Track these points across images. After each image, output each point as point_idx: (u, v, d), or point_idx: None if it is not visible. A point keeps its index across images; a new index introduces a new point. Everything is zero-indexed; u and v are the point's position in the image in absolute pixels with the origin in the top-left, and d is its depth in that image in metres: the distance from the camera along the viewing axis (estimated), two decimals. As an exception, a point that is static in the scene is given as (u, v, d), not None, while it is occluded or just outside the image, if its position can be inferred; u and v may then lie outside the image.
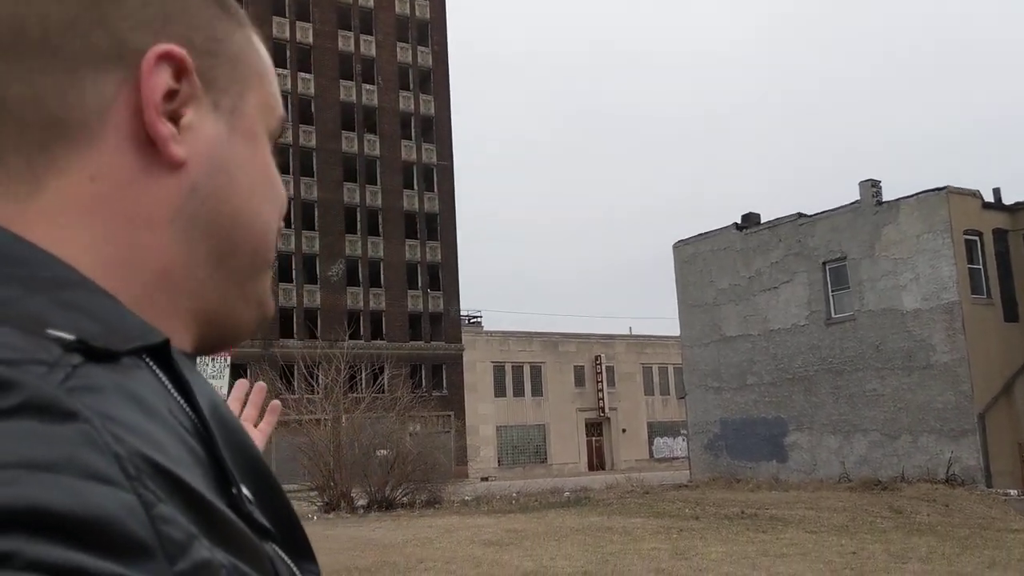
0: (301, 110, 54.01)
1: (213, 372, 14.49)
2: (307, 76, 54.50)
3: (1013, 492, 23.49)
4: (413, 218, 57.13)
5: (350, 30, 56.56)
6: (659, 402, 65.31)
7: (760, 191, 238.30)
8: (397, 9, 58.60)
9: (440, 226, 58.15)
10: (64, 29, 0.53)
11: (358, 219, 54.98)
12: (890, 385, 27.42)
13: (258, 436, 1.22)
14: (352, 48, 56.48)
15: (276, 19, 53.80)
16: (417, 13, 59.54)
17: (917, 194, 27.57)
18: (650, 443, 64.33)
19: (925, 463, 26.07)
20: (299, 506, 25.90)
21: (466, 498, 26.89)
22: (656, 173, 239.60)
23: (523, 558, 12.96)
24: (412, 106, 58.34)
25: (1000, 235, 27.90)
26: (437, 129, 59.10)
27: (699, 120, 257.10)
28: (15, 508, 0.37)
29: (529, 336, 61.51)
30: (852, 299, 28.82)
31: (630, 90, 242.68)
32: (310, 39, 54.92)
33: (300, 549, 0.56)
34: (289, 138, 53.17)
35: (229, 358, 15.13)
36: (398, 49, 58.37)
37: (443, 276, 57.57)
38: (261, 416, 1.28)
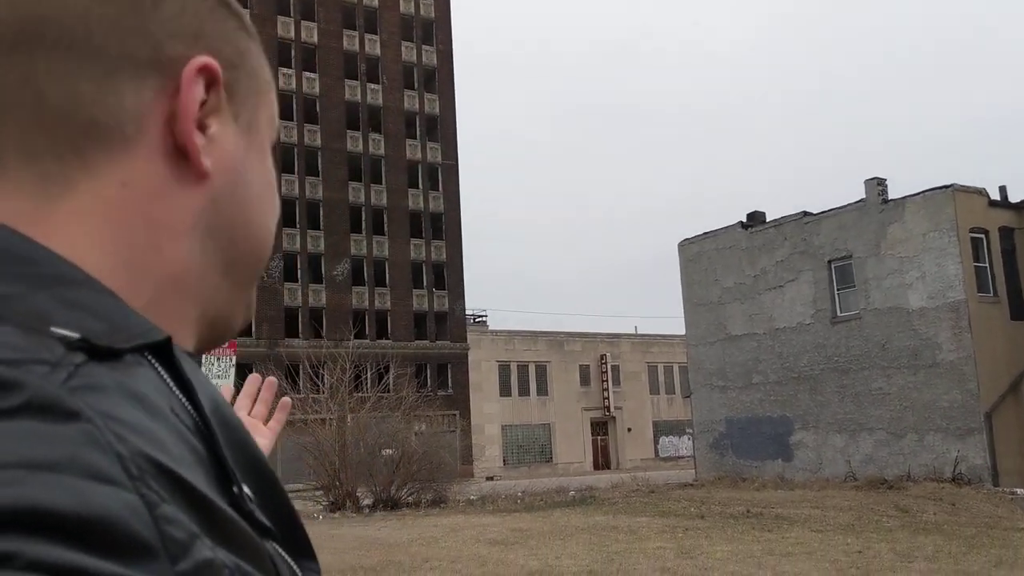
0: (306, 109, 54.04)
1: (218, 372, 14.53)
2: (312, 75, 54.54)
3: (1020, 491, 23.40)
4: (418, 217, 57.14)
5: (355, 29, 56.59)
6: (664, 401, 65.26)
7: (760, 190, 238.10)
8: (402, 8, 58.60)
9: (445, 225, 58.15)
10: (106, 32, 0.53)
11: (363, 218, 55.01)
12: (896, 384, 27.36)
13: (267, 435, 1.21)
14: (357, 47, 56.51)
15: (281, 18, 53.85)
16: (421, 12, 59.54)
17: (923, 192, 27.50)
18: (655, 442, 64.29)
19: (931, 462, 26.00)
20: (304, 506, 25.96)
21: (471, 497, 26.90)
22: (657, 173, 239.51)
23: (528, 557, 12.97)
24: (417, 105, 58.35)
25: (1006, 233, 27.81)
26: (442, 128, 59.10)
27: (699, 120, 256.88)
28: (17, 508, 0.37)
29: (534, 335, 61.51)
30: (858, 298, 28.75)
31: (630, 90, 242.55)
32: (315, 38, 54.96)
33: (300, 547, 0.56)
34: (294, 137, 53.23)
35: (234, 357, 15.17)
36: (403, 48, 58.38)
37: (448, 275, 57.58)
38: (271, 414, 1.27)
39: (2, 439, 0.39)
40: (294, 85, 53.69)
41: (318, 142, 54.04)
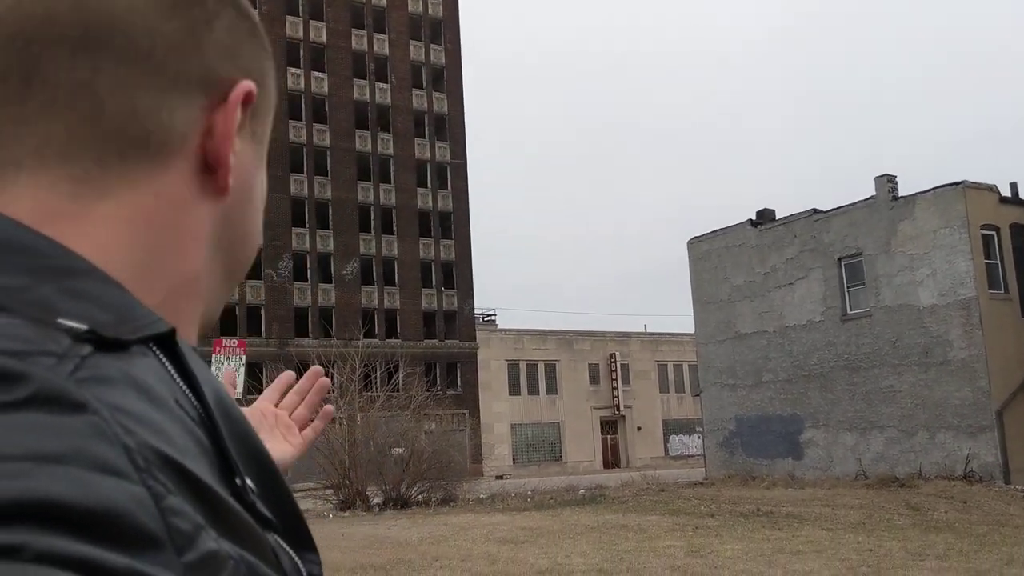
0: (315, 109, 54.14)
1: (228, 370, 14.62)
2: (320, 75, 54.63)
3: (1032, 489, 23.31)
4: (427, 216, 57.19)
5: (363, 29, 56.66)
6: (674, 399, 65.18)
7: (763, 201, 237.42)
8: (410, 7, 58.66)
9: (454, 224, 58.19)
10: (168, 49, 0.55)
11: (372, 218, 55.08)
12: (907, 381, 27.26)
13: (298, 443, 1.16)
14: (365, 47, 56.58)
15: (290, 18, 53.96)
16: (430, 11, 59.58)
17: (933, 189, 27.39)
18: (665, 441, 64.21)
19: (942, 460, 25.91)
20: (315, 504, 26.01)
21: (481, 496, 26.91)
22: (667, 183, 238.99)
23: (538, 556, 12.97)
24: (425, 104, 58.40)
25: (1017, 230, 27.67)
26: (450, 127, 59.13)
27: (712, 127, 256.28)
28: (25, 500, 0.37)
29: (543, 334, 61.50)
30: (868, 295, 28.66)
31: (636, 101, 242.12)
32: (323, 38, 55.05)
33: (302, 540, 0.57)
34: (303, 137, 53.34)
35: (244, 357, 15.21)
36: (411, 47, 58.43)
37: (457, 274, 57.61)
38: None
39: (9, 431, 0.39)
40: (303, 85, 53.79)
41: (327, 142, 54.13)
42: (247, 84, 0.58)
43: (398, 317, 54.71)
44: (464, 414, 52.06)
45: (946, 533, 14.77)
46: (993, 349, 25.53)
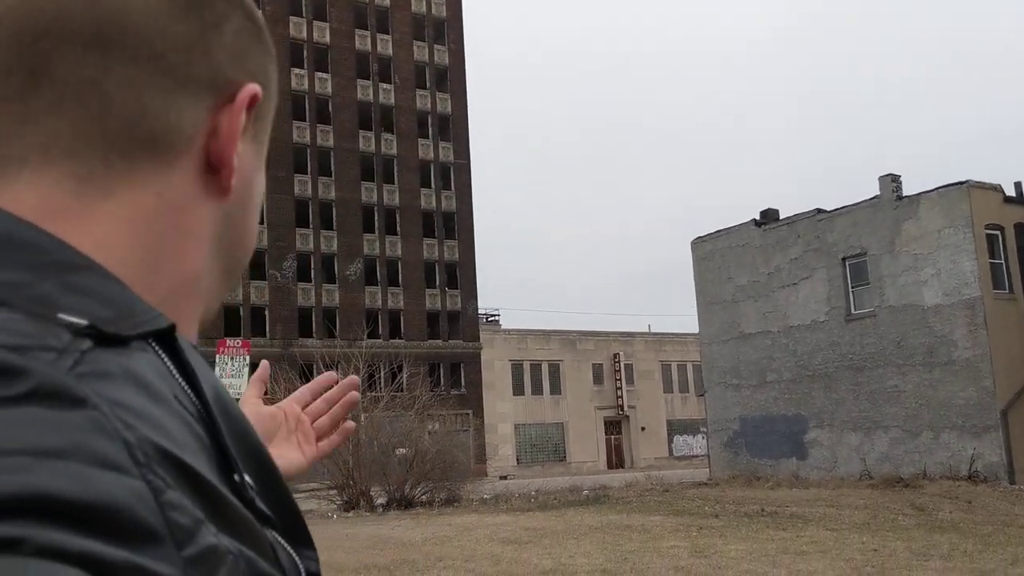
0: (318, 110, 54.18)
1: (232, 371, 14.59)
2: (324, 76, 54.67)
3: (1037, 489, 23.27)
4: (431, 216, 57.22)
5: (367, 29, 56.69)
6: (678, 400, 65.14)
7: (766, 201, 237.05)
8: (413, 8, 58.68)
9: (457, 224, 58.21)
10: (179, 50, 0.56)
11: (376, 218, 55.12)
12: (911, 381, 27.22)
13: (312, 452, 1.14)
14: (369, 47, 56.61)
15: (293, 19, 54.00)
16: (433, 11, 59.59)
17: (938, 188, 27.34)
18: (669, 441, 64.17)
19: (947, 460, 25.87)
20: (319, 505, 26.03)
21: (485, 496, 26.92)
22: (668, 182, 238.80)
23: (542, 556, 12.97)
24: (429, 104, 58.42)
25: (1022, 229, 27.62)
26: (454, 127, 59.15)
27: (714, 125, 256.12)
28: (25, 495, 0.37)
29: (547, 334, 61.50)
30: (872, 295, 28.62)
31: (640, 101, 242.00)
32: (327, 39, 55.09)
33: (300, 537, 0.57)
34: (307, 138, 53.38)
35: (248, 357, 15.21)
36: (415, 48, 58.45)
37: (461, 274, 57.63)
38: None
39: (9, 426, 0.39)
40: (306, 86, 53.83)
41: (331, 142, 54.17)
42: (253, 87, 0.59)
43: (402, 317, 54.74)
44: (468, 414, 52.05)
45: (951, 533, 14.75)
46: (998, 349, 25.48)
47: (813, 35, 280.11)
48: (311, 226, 52.71)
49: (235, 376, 14.39)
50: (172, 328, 0.51)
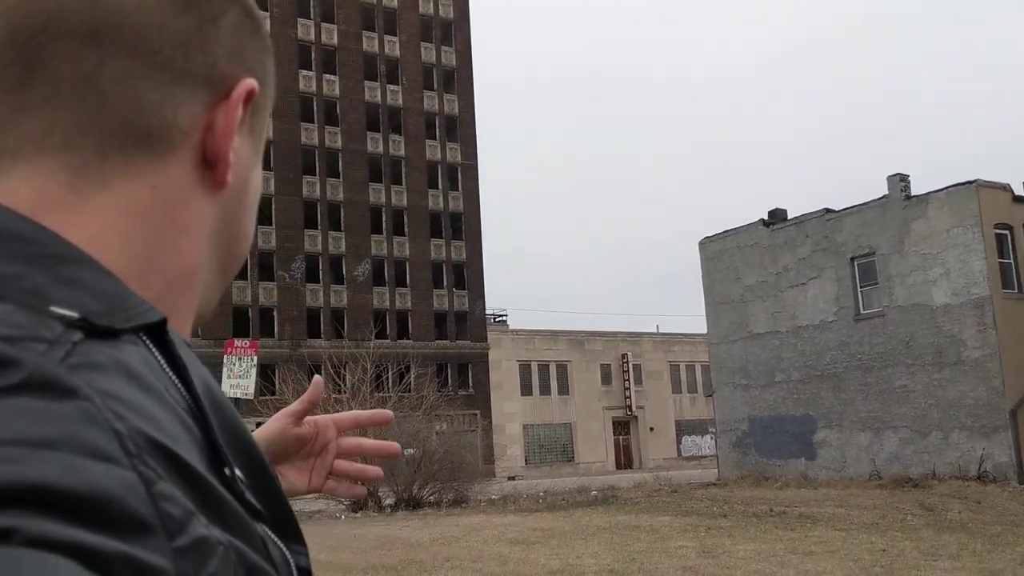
0: (326, 111, 54.29)
1: (240, 371, 14.64)
2: (332, 77, 54.78)
3: (1047, 489, 23.17)
4: (438, 217, 57.29)
5: (374, 31, 56.79)
6: (687, 400, 65.05)
7: (774, 202, 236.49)
8: (421, 9, 58.76)
9: (465, 225, 58.26)
10: (176, 45, 0.56)
11: (384, 219, 55.21)
12: (920, 381, 27.14)
13: (314, 485, 1.10)
14: (377, 49, 56.70)
15: (301, 21, 54.11)
16: (441, 13, 59.67)
17: (947, 188, 27.26)
18: (678, 441, 64.08)
19: (956, 460, 25.79)
20: (327, 505, 26.07)
21: (493, 497, 26.94)
22: (676, 181, 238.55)
23: (550, 557, 12.98)
24: (436, 106, 58.49)
25: (1032, 229, 27.52)
26: (461, 128, 59.22)
27: (717, 122, 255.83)
28: (16, 485, 0.37)
29: (555, 334, 61.47)
30: (881, 294, 28.56)
31: (652, 102, 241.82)
32: (335, 40, 55.20)
33: (290, 531, 0.57)
34: (315, 140, 53.51)
35: (255, 358, 15.27)
36: (422, 49, 58.54)
37: (468, 275, 57.68)
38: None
39: (1, 417, 0.40)
40: (314, 87, 53.95)
41: (339, 144, 54.28)
42: (250, 82, 0.59)
43: (409, 318, 54.81)
44: (476, 415, 52.11)
45: (959, 533, 14.71)
46: (1007, 349, 25.39)
47: (818, 59, 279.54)
48: (319, 227, 52.83)
49: (243, 376, 14.43)
50: (164, 322, 0.51)
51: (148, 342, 0.50)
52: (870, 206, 29.12)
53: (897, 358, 27.79)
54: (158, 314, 0.51)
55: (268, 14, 52.52)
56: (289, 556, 0.55)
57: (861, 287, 29.23)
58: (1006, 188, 27.50)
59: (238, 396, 14.18)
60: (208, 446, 0.49)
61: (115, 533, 0.38)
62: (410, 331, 54.36)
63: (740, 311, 32.70)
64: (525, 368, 59.55)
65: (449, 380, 51.42)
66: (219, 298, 0.67)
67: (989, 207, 26.56)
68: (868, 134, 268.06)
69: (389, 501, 25.28)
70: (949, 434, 26.38)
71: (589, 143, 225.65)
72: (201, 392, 0.51)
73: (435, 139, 58.10)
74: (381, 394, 29.27)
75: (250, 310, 49.52)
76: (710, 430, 47.23)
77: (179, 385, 0.50)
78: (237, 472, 0.50)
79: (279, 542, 0.54)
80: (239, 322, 48.18)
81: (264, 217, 51.05)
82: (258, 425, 1.12)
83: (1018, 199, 27.68)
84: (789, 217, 32.20)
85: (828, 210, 30.59)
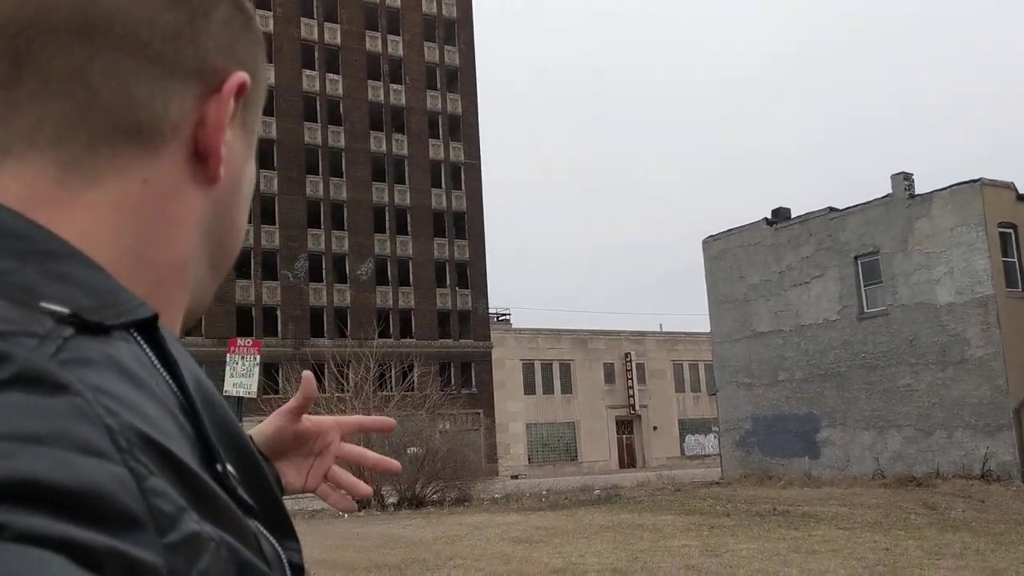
0: (330, 111, 54.33)
1: (243, 371, 14.63)
2: (335, 77, 54.81)
3: (1051, 488, 23.12)
4: (441, 216, 57.31)
5: (377, 30, 56.81)
6: (690, 399, 65.02)
7: (777, 202, 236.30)
8: (424, 9, 58.78)
9: (468, 224, 58.28)
10: (166, 39, 0.56)
11: (387, 218, 55.24)
12: (924, 380, 27.11)
13: (310, 485, 1.08)
14: (380, 48, 56.73)
15: (304, 20, 54.14)
16: (444, 12, 59.68)
17: (950, 187, 27.22)
18: (681, 440, 64.06)
19: (960, 459, 25.75)
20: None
21: (496, 496, 26.94)
22: (680, 182, 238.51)
23: (552, 555, 12.98)
24: (440, 105, 58.50)
25: (1036, 227, 27.47)
26: (464, 127, 59.23)
27: (721, 121, 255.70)
28: (6, 480, 0.37)
29: (558, 333, 61.47)
30: (885, 293, 28.52)
31: (656, 103, 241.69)
32: (338, 40, 55.22)
33: (282, 527, 0.57)
34: (318, 139, 53.54)
35: (259, 357, 15.26)
36: (425, 48, 58.55)
37: (471, 274, 57.70)
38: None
39: None
40: (318, 87, 53.98)
41: (342, 143, 54.32)
42: (241, 75, 0.59)
43: (412, 317, 54.85)
44: (479, 413, 52.14)
45: (963, 532, 14.68)
46: (1011, 347, 25.34)
47: (822, 61, 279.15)
48: (322, 226, 52.87)
49: (246, 375, 14.42)
50: (155, 318, 0.50)
51: (139, 338, 0.49)
52: (874, 205, 29.08)
53: (901, 357, 27.75)
54: (149, 310, 0.50)
55: (271, 13, 52.56)
56: (282, 552, 0.54)
57: (865, 286, 29.20)
58: (1010, 187, 27.46)
59: (241, 395, 14.17)
60: (200, 442, 0.49)
61: (105, 529, 0.38)
62: (413, 330, 54.39)
63: (743, 310, 32.68)
64: (528, 367, 59.56)
65: (452, 379, 51.44)
66: (212, 294, 0.67)
67: (993, 206, 26.52)
68: (871, 135, 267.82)
69: (392, 500, 25.30)
70: (953, 433, 26.35)
71: (592, 144, 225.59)
72: (192, 388, 0.51)
73: (438, 138, 58.12)
74: (384, 393, 29.29)
75: (253, 309, 49.57)
76: (713, 429, 47.21)
77: (170, 381, 0.50)
78: (229, 468, 0.50)
79: (271, 538, 0.53)
80: (242, 321, 48.24)
81: (268, 216, 51.13)
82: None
83: (1022, 198, 27.63)
84: (793, 216, 32.17)
85: (832, 209, 30.55)
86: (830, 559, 11.83)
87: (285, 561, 0.55)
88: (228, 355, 14.62)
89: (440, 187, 57.63)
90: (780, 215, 32.60)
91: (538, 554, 13.20)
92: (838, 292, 29.79)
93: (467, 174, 58.86)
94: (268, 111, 52.22)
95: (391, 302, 54.16)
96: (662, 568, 11.55)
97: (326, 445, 1.09)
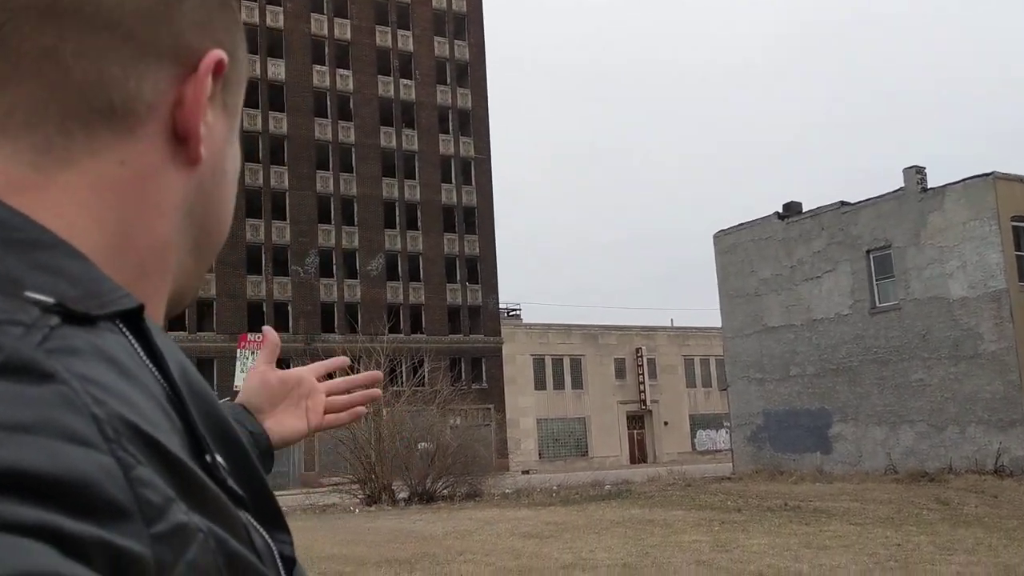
0: (340, 106, 54.36)
1: (254, 365, 14.71)
2: (345, 72, 54.84)
3: (1065, 483, 23.00)
4: (451, 211, 57.31)
5: (387, 25, 56.80)
6: (701, 394, 64.91)
7: (788, 196, 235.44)
8: (434, 3, 58.73)
9: (478, 219, 58.26)
10: (138, 18, 0.54)
11: (397, 213, 55.28)
12: (937, 375, 26.99)
13: (313, 423, 1.20)
14: (390, 43, 56.71)
15: (314, 16, 54.18)
16: (454, 7, 59.61)
17: (963, 180, 27.08)
18: (692, 436, 63.96)
19: (973, 454, 25.64)
20: (341, 499, 26.18)
21: (506, 491, 26.98)
22: (688, 179, 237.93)
23: (563, 550, 12.99)
24: (450, 100, 58.47)
25: (1049, 221, 27.30)
26: (474, 122, 59.19)
27: (731, 120, 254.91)
28: None
29: (568, 328, 61.43)
30: (897, 288, 28.40)
31: (662, 96, 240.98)
32: (348, 35, 55.24)
33: (273, 519, 0.56)
34: (328, 134, 53.60)
35: (271, 352, 15.35)
36: (435, 43, 58.51)
37: (481, 269, 57.70)
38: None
39: None
40: (328, 82, 54.02)
41: (352, 138, 54.35)
42: (217, 53, 0.58)
43: (423, 312, 54.89)
44: (489, 409, 52.15)
45: (975, 527, 14.62)
46: (1024, 342, 25.22)
47: (831, 42, 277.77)
48: (333, 222, 52.94)
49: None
50: (140, 308, 0.50)
51: (124, 329, 0.49)
52: (886, 199, 28.95)
53: (913, 351, 27.64)
54: (134, 300, 0.50)
55: (281, 9, 52.63)
56: (272, 544, 0.54)
57: (877, 280, 29.08)
58: (1023, 180, 27.29)
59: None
60: (188, 433, 0.48)
61: (92, 518, 0.38)
62: (424, 325, 54.45)
63: (755, 304, 32.59)
64: (539, 362, 59.55)
65: (463, 374, 51.47)
66: (199, 280, 0.66)
67: (1006, 199, 26.37)
68: (883, 125, 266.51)
69: (403, 495, 25.37)
70: (966, 428, 26.23)
71: (598, 145, 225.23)
72: (179, 379, 0.50)
73: (448, 133, 58.10)
74: (395, 388, 29.35)
75: (264, 304, 49.70)
76: (724, 424, 47.14)
77: (156, 372, 0.49)
78: (218, 459, 0.49)
79: (262, 530, 0.53)
80: (253, 316, 48.38)
81: (278, 212, 51.24)
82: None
83: (1036, 191, 27.47)
84: (804, 210, 32.05)
85: (844, 203, 30.43)
86: (842, 555, 11.80)
87: (276, 553, 0.54)
88: (239, 350, 14.69)
89: (450, 182, 57.62)
90: (791, 209, 32.49)
91: (548, 549, 13.21)
92: (850, 286, 29.68)
93: (477, 169, 58.83)
94: (278, 107, 52.34)
95: (401, 297, 54.21)
96: (672, 563, 11.54)
97: (311, 387, 1.21)
